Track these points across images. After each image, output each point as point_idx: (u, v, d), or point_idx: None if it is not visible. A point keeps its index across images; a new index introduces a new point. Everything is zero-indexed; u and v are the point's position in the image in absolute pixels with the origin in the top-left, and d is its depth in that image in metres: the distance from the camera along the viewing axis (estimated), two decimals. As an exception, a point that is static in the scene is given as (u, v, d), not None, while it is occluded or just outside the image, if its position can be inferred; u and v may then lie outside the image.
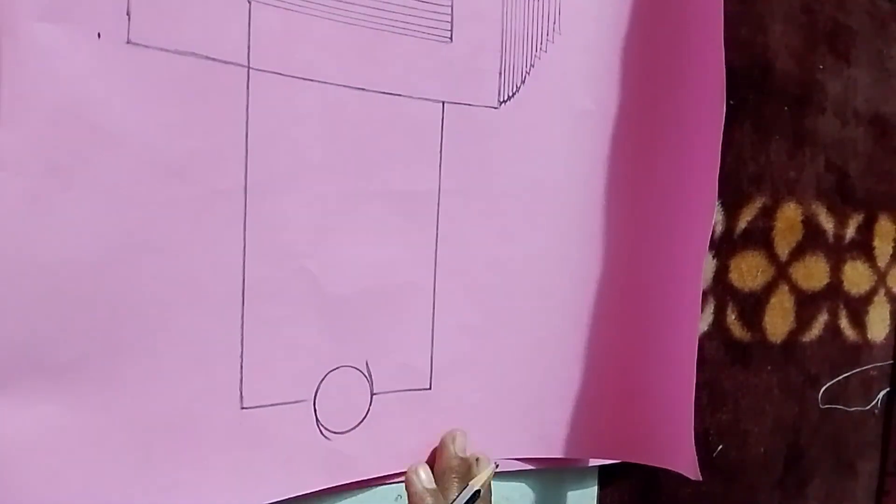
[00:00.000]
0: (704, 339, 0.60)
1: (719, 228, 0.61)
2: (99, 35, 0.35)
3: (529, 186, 0.50)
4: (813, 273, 0.67)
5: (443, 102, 0.46)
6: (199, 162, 0.39)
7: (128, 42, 0.36)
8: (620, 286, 0.54)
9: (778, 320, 0.65)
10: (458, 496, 0.45)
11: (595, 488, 0.58)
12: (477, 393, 0.50)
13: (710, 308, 0.61)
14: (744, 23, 0.59)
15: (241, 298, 0.41)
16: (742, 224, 0.62)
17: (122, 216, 0.37)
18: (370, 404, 0.46)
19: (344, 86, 0.43)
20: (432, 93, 0.46)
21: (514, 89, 0.49)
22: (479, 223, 0.48)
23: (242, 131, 0.40)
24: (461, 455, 0.47)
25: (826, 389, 0.68)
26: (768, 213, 0.63)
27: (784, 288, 0.65)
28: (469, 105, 0.47)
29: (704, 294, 0.60)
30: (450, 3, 0.46)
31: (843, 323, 0.69)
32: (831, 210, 0.67)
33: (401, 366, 0.47)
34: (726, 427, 0.63)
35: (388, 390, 0.47)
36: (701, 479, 0.52)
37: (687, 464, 0.53)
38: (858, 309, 0.70)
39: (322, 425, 0.44)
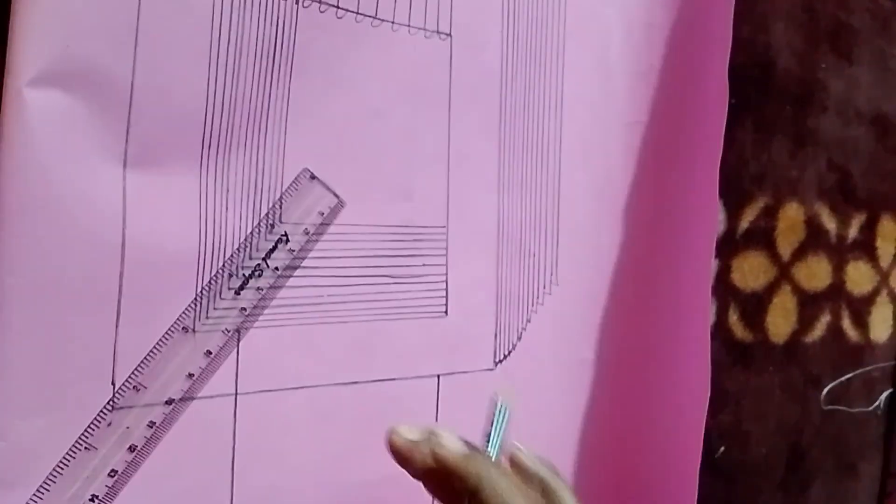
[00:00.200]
0: (706, 340, 0.60)
1: (721, 228, 0.61)
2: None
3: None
4: (815, 273, 0.66)
5: (438, 376, 0.46)
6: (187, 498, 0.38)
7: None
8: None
9: (780, 321, 0.65)
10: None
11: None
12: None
13: (713, 308, 0.61)
14: (745, 22, 0.59)
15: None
16: (744, 224, 0.62)
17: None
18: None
19: (335, 384, 0.42)
20: (427, 369, 0.45)
21: (511, 347, 0.49)
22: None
23: (229, 459, 0.39)
24: None
25: (828, 390, 0.68)
26: (770, 213, 0.63)
27: (786, 288, 0.65)
28: (464, 372, 0.47)
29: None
30: (444, 279, 0.45)
31: (846, 323, 0.69)
32: (833, 210, 0.67)
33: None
34: (728, 428, 0.63)
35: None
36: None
37: None
38: (861, 309, 0.70)
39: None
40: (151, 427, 0.36)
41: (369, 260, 0.42)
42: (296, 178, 0.39)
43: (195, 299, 0.37)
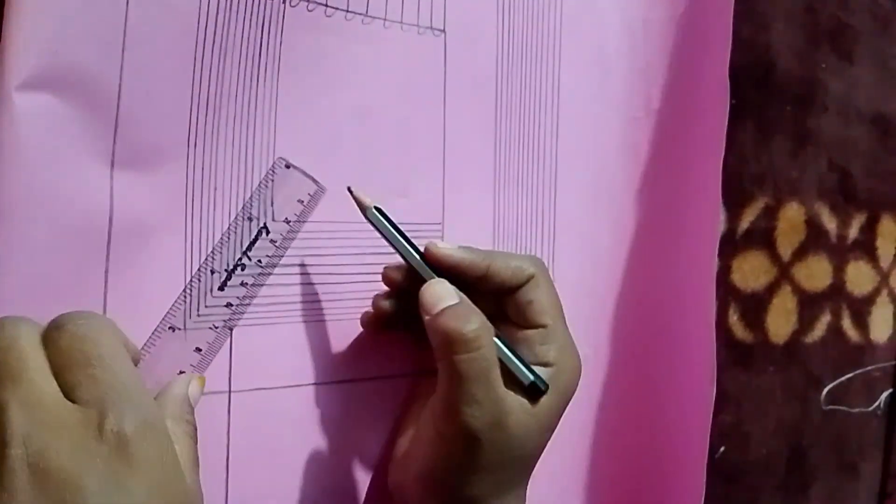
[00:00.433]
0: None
1: (721, 229, 0.60)
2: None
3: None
4: (815, 273, 0.66)
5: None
6: None
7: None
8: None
9: (780, 321, 0.64)
10: None
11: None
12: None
13: (714, 309, 0.61)
14: (746, 21, 0.59)
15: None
16: (744, 224, 0.62)
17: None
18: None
19: (329, 382, 0.42)
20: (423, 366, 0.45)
21: None
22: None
23: (223, 456, 0.39)
24: None
25: (829, 391, 0.68)
26: (770, 214, 0.63)
27: (786, 289, 0.65)
28: None
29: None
30: None
31: (846, 324, 0.69)
32: (834, 210, 0.67)
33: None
34: (728, 429, 0.62)
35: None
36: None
37: None
38: (861, 310, 0.70)
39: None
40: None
41: (364, 257, 0.42)
42: (271, 168, 0.39)
43: (181, 298, 0.37)
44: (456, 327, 0.36)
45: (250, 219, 0.39)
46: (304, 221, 0.40)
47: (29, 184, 0.33)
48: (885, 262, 0.71)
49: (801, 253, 0.65)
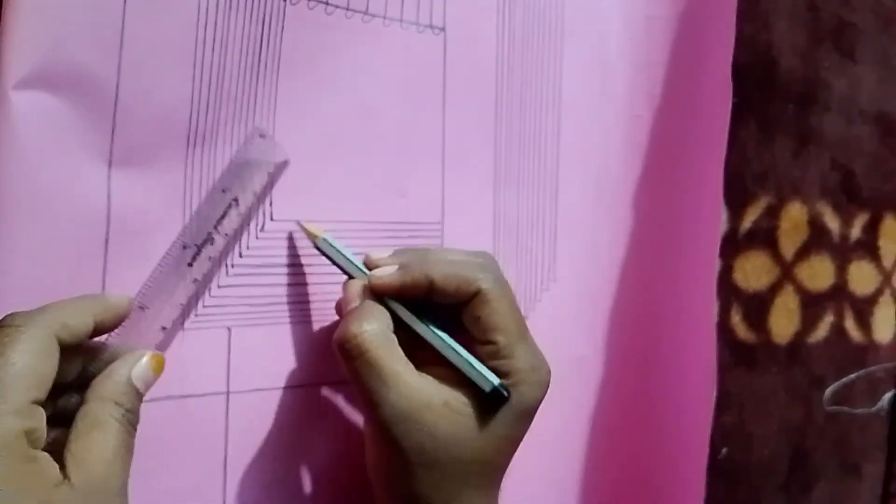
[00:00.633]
0: (708, 341, 0.60)
1: (723, 228, 0.60)
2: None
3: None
4: (818, 273, 0.66)
5: None
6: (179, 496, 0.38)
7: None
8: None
9: (783, 321, 0.64)
10: None
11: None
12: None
13: (715, 309, 0.60)
14: (748, 20, 0.59)
15: None
16: (747, 224, 0.62)
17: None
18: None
19: (327, 382, 0.42)
20: None
21: None
22: None
23: (221, 456, 0.39)
24: None
25: (832, 391, 0.68)
26: (773, 213, 0.63)
27: (789, 288, 0.64)
28: None
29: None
30: None
31: (849, 324, 0.68)
32: (836, 209, 0.66)
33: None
34: (731, 429, 0.62)
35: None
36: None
37: None
38: (864, 310, 0.69)
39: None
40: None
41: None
42: (245, 140, 0.39)
43: (151, 276, 0.37)
44: (341, 331, 0.37)
45: (224, 191, 0.38)
46: (267, 194, 0.40)
47: (26, 182, 0.33)
48: (887, 262, 0.70)
49: (803, 253, 0.65)
